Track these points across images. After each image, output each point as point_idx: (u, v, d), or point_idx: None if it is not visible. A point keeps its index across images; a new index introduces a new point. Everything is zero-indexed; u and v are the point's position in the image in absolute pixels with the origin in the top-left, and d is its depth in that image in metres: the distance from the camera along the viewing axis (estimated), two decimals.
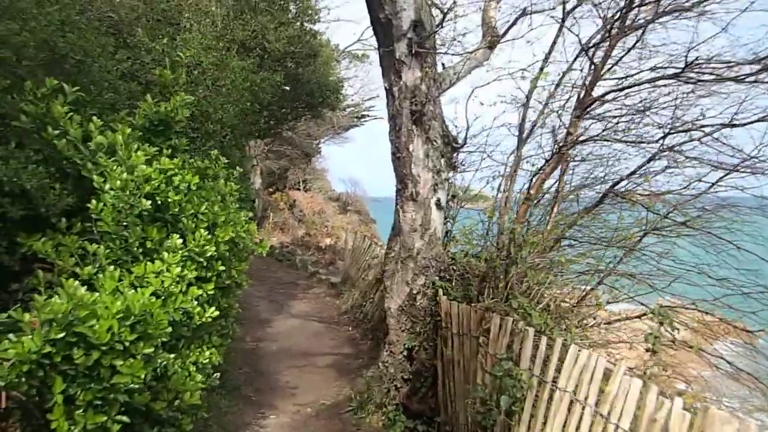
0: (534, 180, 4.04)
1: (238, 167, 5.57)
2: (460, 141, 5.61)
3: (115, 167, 3.55)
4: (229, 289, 5.14)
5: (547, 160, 4.04)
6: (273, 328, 9.63)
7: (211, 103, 7.98)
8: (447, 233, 5.85)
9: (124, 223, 3.63)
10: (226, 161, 5.14)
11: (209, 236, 4.23)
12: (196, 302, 3.92)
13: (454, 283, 5.17)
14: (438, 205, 5.55)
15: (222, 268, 4.30)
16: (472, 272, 5.06)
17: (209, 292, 4.18)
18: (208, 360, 4.23)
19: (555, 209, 4.77)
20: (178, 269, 3.67)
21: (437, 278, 5.36)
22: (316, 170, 24.48)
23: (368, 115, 24.93)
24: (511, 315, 3.87)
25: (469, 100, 5.22)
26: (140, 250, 3.75)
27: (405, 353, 5.64)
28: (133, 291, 3.02)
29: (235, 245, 4.78)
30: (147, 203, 3.71)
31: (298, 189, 21.75)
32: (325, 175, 26.15)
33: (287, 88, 10.87)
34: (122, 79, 5.76)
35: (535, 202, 4.76)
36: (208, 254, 4.17)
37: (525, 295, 4.14)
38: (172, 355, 3.62)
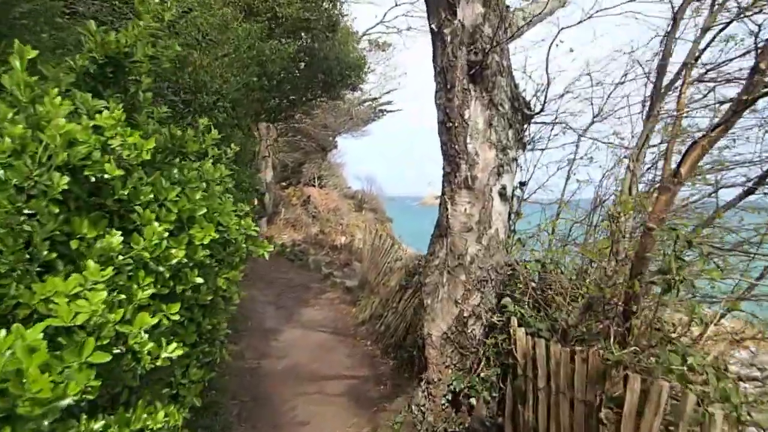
0: (689, 153, 2.43)
1: (233, 145, 4.01)
2: (534, 107, 3.94)
3: (7, 115, 1.98)
4: (213, 307, 3.56)
5: (719, 123, 2.40)
6: (279, 340, 8.03)
7: (208, 71, 6.37)
8: (511, 233, 4.20)
9: (27, 211, 2.02)
10: (219, 136, 3.57)
11: (182, 235, 2.70)
12: (146, 334, 2.38)
13: (528, 306, 3.51)
14: (502, 194, 3.90)
15: (199, 280, 2.66)
16: (560, 292, 3.40)
17: (172, 317, 2.63)
18: (162, 426, 2.65)
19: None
20: (104, 293, 2.08)
21: (508, 298, 3.70)
22: (332, 165, 22.89)
23: (386, 111, 23.37)
24: (658, 373, 2.21)
25: (552, 47, 3.55)
26: (54, 255, 2.16)
27: (450, 397, 4.00)
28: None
29: (223, 247, 3.26)
30: (63, 180, 2.10)
31: (313, 185, 20.20)
32: (341, 171, 24.58)
33: (302, 64, 9.27)
34: (75, 18, 4.20)
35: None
36: (174, 261, 2.56)
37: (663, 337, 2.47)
38: (99, 423, 2.13)
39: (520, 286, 3.72)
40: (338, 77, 8.91)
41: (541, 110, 3.83)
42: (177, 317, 2.67)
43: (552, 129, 4.13)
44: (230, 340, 7.74)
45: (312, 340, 8.22)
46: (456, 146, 3.82)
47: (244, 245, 3.65)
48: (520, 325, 3.34)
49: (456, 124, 3.81)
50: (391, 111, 23.37)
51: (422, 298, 4.17)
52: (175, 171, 3.11)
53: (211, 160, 3.55)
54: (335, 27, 9.02)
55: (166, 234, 2.55)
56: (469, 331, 3.93)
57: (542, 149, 4.05)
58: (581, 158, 3.98)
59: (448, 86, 3.81)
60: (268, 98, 8.12)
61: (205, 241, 2.71)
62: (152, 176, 2.83)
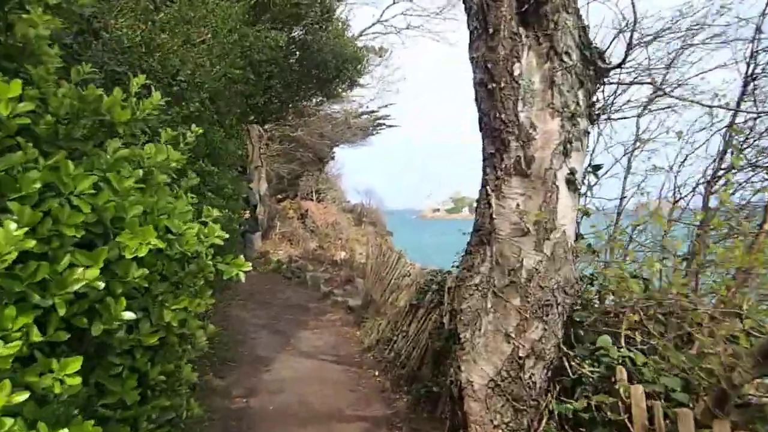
0: None
1: (194, 126, 2.87)
2: (608, 58, 2.74)
3: None
4: (167, 350, 2.31)
5: None
6: (272, 372, 6.75)
7: (178, 56, 5.20)
8: (578, 236, 2.98)
9: None
10: (163, 101, 2.41)
11: (102, 247, 1.45)
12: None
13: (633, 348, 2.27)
14: (571, 182, 2.70)
15: (128, 315, 1.82)
16: (693, 324, 2.17)
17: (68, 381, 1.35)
18: None
19: None
20: None
21: (606, 336, 2.46)
22: (329, 178, 21.75)
23: (384, 124, 22.35)
24: None
25: None
26: None
27: None
28: None
29: (180, 265, 2.33)
30: None
31: (311, 199, 19.01)
32: (339, 184, 23.44)
33: (293, 59, 8.14)
34: None
35: None
36: (76, 286, 1.63)
37: None
38: None
39: (609, 312, 2.50)
40: (334, 72, 7.76)
41: (623, 63, 2.65)
42: (76, 381, 1.54)
43: (626, 91, 2.94)
44: (215, 373, 6.47)
45: (311, 370, 6.95)
46: (502, 116, 2.63)
47: (210, 262, 2.52)
48: (639, 383, 2.09)
49: (502, 85, 2.63)
50: (390, 126, 22.36)
51: (455, 329, 2.95)
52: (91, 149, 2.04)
53: (162, 142, 2.48)
54: (330, 16, 7.90)
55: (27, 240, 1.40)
56: (526, 376, 2.70)
57: (620, 118, 2.85)
58: (669, 133, 2.80)
59: (490, 31, 2.63)
60: (255, 93, 6.94)
61: (141, 253, 1.83)
62: (52, 157, 1.74)
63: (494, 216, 2.75)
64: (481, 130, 2.87)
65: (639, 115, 3.14)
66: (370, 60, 14.26)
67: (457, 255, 5.84)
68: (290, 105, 8.29)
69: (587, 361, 2.54)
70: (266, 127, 13.99)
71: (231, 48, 6.11)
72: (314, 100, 16.32)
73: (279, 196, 16.51)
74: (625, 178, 3.57)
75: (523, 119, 2.62)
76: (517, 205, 2.69)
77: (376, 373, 6.86)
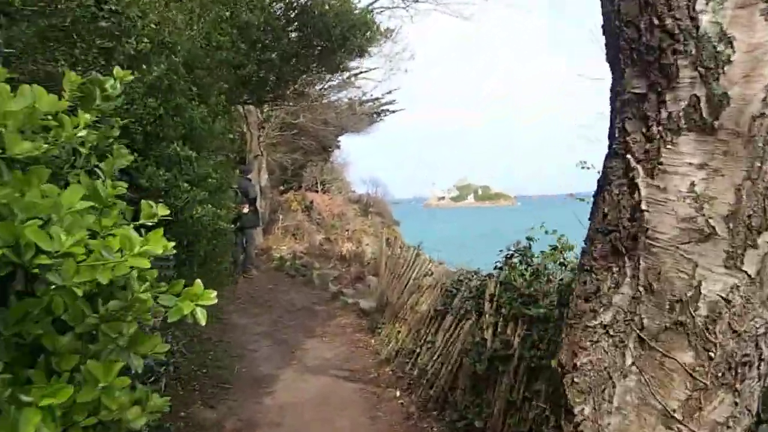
0: None
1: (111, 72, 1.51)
2: None
3: None
4: None
5: None
6: (275, 395, 5.53)
7: (139, 6, 3.92)
8: None
9: None
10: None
11: None
12: None
13: None
14: None
15: None
16: None
17: None
18: None
19: None
20: None
21: None
22: (335, 168, 20.46)
23: (389, 110, 21.07)
24: None
25: None
26: None
27: None
28: None
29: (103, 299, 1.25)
30: None
31: (316, 190, 17.76)
32: (344, 174, 22.17)
33: (291, 29, 6.90)
34: None
35: None
36: None
37: None
38: None
39: None
40: (339, 39, 6.46)
41: None
42: None
43: None
44: (205, 401, 5.27)
45: (320, 390, 5.73)
46: (667, 20, 1.39)
47: (143, 295, 1.15)
48: None
49: None
50: (394, 111, 21.07)
51: (565, 392, 1.71)
52: None
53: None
54: None
55: None
56: None
57: None
58: None
59: None
60: (246, 65, 5.66)
61: None
62: None
63: (644, 206, 1.50)
64: (610, 59, 1.61)
65: None
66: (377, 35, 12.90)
67: (497, 252, 4.61)
68: (289, 81, 7.01)
69: None
70: (266, 112, 12.71)
71: (212, 3, 4.83)
72: (318, 86, 15.00)
73: (282, 188, 15.26)
74: None
75: (705, 25, 1.37)
76: (691, 185, 1.44)
77: (398, 393, 5.64)
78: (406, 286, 7.13)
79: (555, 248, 3.85)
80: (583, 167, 2.68)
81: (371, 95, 18.28)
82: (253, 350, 6.89)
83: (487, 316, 4.25)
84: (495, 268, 4.35)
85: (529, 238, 4.13)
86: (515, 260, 4.22)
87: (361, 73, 15.06)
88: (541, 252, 4.03)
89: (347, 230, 15.27)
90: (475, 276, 4.90)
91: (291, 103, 11.27)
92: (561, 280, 3.49)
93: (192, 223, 4.22)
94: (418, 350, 6.00)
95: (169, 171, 4.03)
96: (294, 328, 7.76)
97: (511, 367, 3.80)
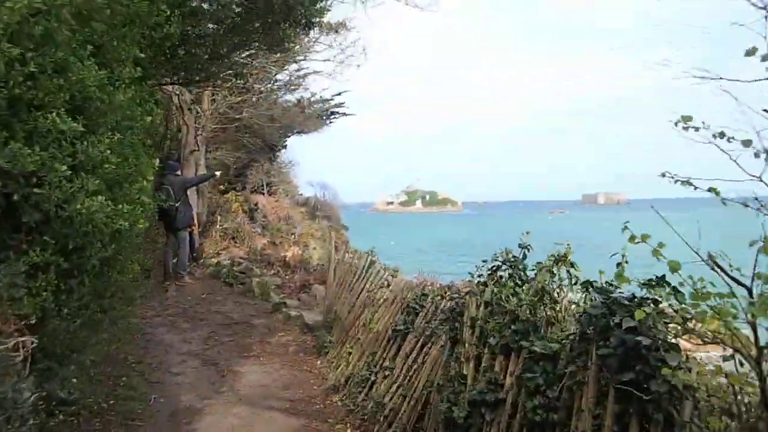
0: None
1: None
2: None
3: None
4: None
5: None
6: None
7: None
8: None
9: None
10: None
11: None
12: None
13: None
14: None
15: None
16: None
17: None
18: None
19: None
20: None
21: None
22: (281, 170, 19.11)
23: (338, 113, 20.00)
24: None
25: None
26: None
27: None
28: None
29: None
30: None
31: (261, 192, 16.39)
32: (291, 177, 20.84)
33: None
34: None
35: None
36: None
37: None
38: None
39: None
40: (284, 9, 5.37)
41: None
42: None
43: None
44: None
45: (253, 426, 4.59)
46: None
47: None
48: None
49: None
50: (345, 114, 20.04)
51: None
52: None
53: None
54: None
55: None
56: None
57: None
58: None
59: None
60: (165, 25, 4.44)
61: None
62: None
63: None
64: None
65: None
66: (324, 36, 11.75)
67: (458, 259, 3.65)
68: (225, 58, 5.83)
69: None
70: (205, 106, 11.32)
71: None
72: (266, 84, 13.68)
73: (222, 187, 13.82)
74: None
75: None
76: None
77: None
78: (357, 298, 6.09)
79: (557, 259, 2.93)
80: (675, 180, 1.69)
81: (320, 96, 17.18)
82: (175, 374, 5.62)
83: (467, 345, 3.26)
84: (478, 283, 3.37)
85: (522, 246, 3.20)
86: (503, 273, 3.27)
87: (310, 74, 13.91)
88: (537, 263, 3.10)
89: (293, 234, 14.07)
90: (447, 292, 3.92)
91: (229, 89, 10.00)
92: (584, 302, 2.56)
93: (80, 221, 2.98)
94: (373, 378, 4.97)
95: (45, 150, 2.80)
96: (228, 347, 6.53)
97: (503, 416, 2.82)
